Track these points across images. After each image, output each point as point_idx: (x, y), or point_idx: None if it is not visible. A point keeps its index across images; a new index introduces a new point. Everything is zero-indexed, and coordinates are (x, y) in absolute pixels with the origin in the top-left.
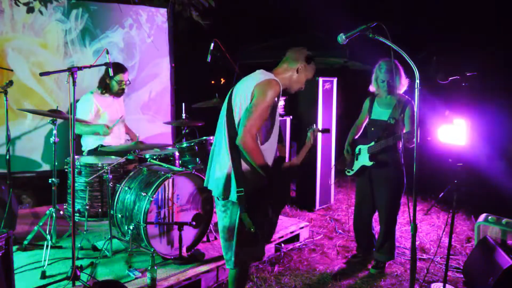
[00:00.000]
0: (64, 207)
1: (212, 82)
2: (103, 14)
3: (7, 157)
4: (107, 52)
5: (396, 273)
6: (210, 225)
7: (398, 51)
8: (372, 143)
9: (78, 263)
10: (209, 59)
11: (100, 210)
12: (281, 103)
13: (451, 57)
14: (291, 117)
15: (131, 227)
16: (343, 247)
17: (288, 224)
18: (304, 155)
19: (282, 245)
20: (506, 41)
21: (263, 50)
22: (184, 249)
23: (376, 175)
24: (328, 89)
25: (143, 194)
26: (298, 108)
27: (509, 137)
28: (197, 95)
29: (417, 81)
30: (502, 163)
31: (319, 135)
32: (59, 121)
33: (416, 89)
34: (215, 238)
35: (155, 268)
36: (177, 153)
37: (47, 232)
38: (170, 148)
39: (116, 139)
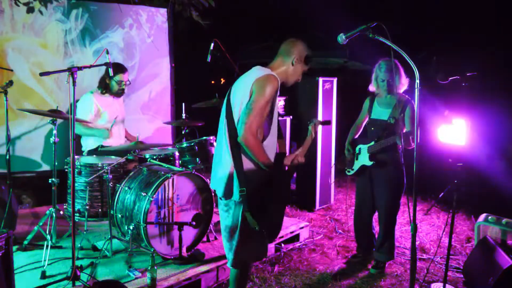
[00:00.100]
0: (64, 207)
1: (212, 82)
2: (103, 14)
3: (7, 157)
4: (107, 52)
5: (396, 273)
6: (210, 225)
7: (398, 51)
8: (372, 143)
9: (78, 263)
10: (209, 59)
11: (100, 210)
12: (281, 103)
13: (451, 57)
14: (291, 117)
15: (131, 227)
16: (343, 247)
17: (288, 224)
18: (307, 148)
19: (282, 245)
20: (506, 41)
21: (263, 50)
22: (184, 249)
23: (376, 175)
24: (328, 89)
25: (143, 194)
26: (298, 108)
27: (509, 137)
28: (197, 95)
29: (417, 81)
30: (502, 163)
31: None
32: (59, 121)
33: (416, 89)
34: (215, 238)
35: (155, 268)
36: (177, 153)
37: (47, 232)
38: (170, 148)
39: (116, 139)
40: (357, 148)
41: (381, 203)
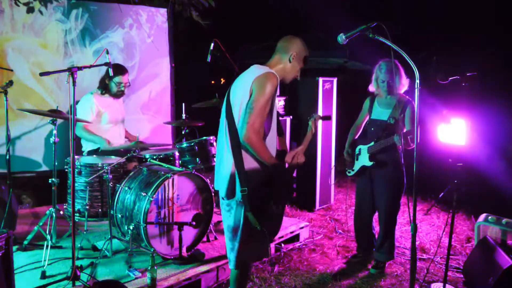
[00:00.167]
0: (64, 207)
1: (212, 82)
2: (103, 14)
3: (7, 157)
4: (107, 52)
5: (396, 273)
6: (210, 225)
7: (398, 51)
8: (372, 143)
9: (78, 263)
10: (209, 59)
11: (100, 210)
12: (281, 103)
13: (451, 57)
14: (291, 117)
15: (131, 227)
16: (343, 247)
17: (288, 224)
18: (307, 145)
19: (282, 245)
20: (506, 41)
21: (263, 50)
22: (184, 249)
23: (376, 175)
24: (328, 89)
25: (143, 194)
26: (298, 108)
27: (509, 137)
28: (197, 95)
29: (417, 81)
30: (502, 163)
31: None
32: (59, 121)
33: (416, 89)
34: (215, 238)
35: (155, 268)
36: (177, 153)
37: (47, 232)
38: (170, 148)
39: (116, 139)
40: (357, 149)
41: (381, 203)
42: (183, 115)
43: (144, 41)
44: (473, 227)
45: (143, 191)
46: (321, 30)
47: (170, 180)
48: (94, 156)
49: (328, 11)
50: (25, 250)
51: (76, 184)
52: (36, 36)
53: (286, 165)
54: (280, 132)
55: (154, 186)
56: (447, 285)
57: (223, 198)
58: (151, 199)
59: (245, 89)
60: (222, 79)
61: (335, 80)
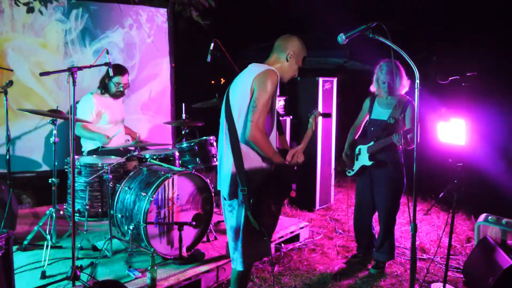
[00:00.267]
0: (64, 207)
1: (212, 82)
2: (103, 14)
3: (7, 157)
4: (107, 52)
5: (396, 273)
6: (210, 225)
7: (398, 51)
8: (372, 143)
9: (78, 263)
10: (209, 59)
11: (100, 210)
12: (281, 103)
13: (451, 57)
14: (291, 117)
15: (131, 227)
16: (343, 247)
17: (288, 224)
18: (307, 142)
19: (282, 245)
20: (506, 41)
21: (263, 50)
22: (184, 249)
23: (376, 175)
24: (328, 89)
25: (143, 194)
26: (298, 108)
27: (509, 137)
28: (197, 95)
29: (417, 81)
30: (502, 163)
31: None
32: (59, 121)
33: (416, 89)
34: (215, 238)
35: (155, 268)
36: (177, 153)
37: (47, 232)
38: (170, 148)
39: (116, 139)
40: (356, 149)
41: (381, 203)
42: (183, 115)
43: (144, 41)
44: (473, 227)
45: (143, 191)
46: (321, 30)
47: (170, 180)
48: (94, 156)
49: (328, 11)
50: (25, 250)
51: (76, 184)
52: (36, 36)
53: (287, 163)
54: (281, 131)
55: (154, 186)
56: (447, 285)
57: (225, 199)
58: (151, 199)
59: (245, 89)
60: (222, 79)
61: (335, 80)
